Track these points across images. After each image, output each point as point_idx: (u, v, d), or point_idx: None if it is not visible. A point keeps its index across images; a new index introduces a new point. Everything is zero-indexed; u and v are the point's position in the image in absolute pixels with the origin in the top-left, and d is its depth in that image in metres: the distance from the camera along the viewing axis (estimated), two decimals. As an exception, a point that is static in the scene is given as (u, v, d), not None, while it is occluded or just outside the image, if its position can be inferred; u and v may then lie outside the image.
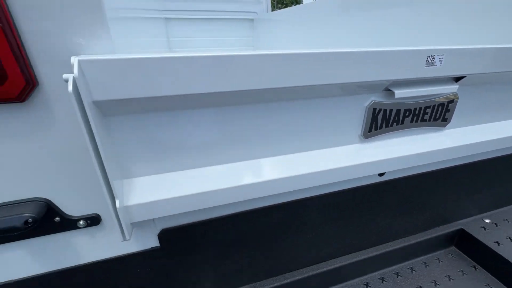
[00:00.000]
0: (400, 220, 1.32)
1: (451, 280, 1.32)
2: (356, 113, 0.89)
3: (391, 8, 1.70)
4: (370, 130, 0.92)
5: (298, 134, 0.87)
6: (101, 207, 0.77)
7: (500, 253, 1.29)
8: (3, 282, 0.77)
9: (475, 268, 1.38)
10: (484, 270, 1.36)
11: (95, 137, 0.56)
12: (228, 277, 1.07)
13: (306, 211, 1.05)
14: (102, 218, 0.78)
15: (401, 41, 1.67)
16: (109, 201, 0.65)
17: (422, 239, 1.40)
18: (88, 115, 0.54)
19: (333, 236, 1.19)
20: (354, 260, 1.26)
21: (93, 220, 0.77)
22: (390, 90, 0.86)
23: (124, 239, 0.71)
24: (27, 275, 0.79)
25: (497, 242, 1.37)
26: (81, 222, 0.76)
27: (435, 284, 1.30)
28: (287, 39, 2.96)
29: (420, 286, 1.28)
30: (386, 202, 1.21)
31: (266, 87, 0.68)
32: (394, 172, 1.13)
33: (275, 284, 1.14)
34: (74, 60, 0.53)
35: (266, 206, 0.97)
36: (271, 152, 0.86)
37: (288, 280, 1.15)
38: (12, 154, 0.63)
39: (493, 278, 1.32)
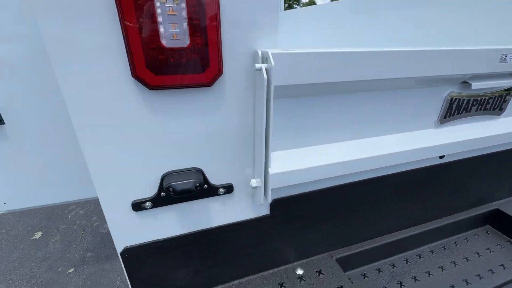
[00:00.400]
0: (448, 199, 1.49)
1: (491, 252, 1.50)
2: (435, 102, 1.05)
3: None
4: (445, 117, 1.09)
5: (387, 119, 1.02)
6: (234, 177, 0.92)
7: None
8: (157, 239, 0.91)
9: (511, 243, 1.57)
10: (519, 244, 1.55)
11: (270, 115, 0.71)
12: (315, 244, 1.23)
13: (381, 187, 1.21)
14: (234, 187, 0.93)
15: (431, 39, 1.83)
16: (263, 169, 0.80)
17: (462, 217, 1.57)
18: (270, 98, 0.69)
19: (397, 211, 1.35)
20: (410, 233, 1.43)
21: (228, 189, 0.92)
22: (467, 82, 1.02)
23: (262, 202, 0.86)
24: (176, 234, 0.93)
25: (530, 219, 1.55)
26: (221, 189, 0.90)
27: (478, 255, 1.48)
28: (311, 37, 3.10)
29: (465, 257, 1.46)
30: (441, 182, 1.38)
31: (382, 77, 0.83)
32: (451, 155, 1.30)
33: (348, 253, 1.30)
34: (264, 53, 0.67)
35: (352, 182, 1.12)
36: (365, 134, 1.02)
37: (359, 250, 1.32)
38: (194, 128, 0.77)
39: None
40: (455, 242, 1.57)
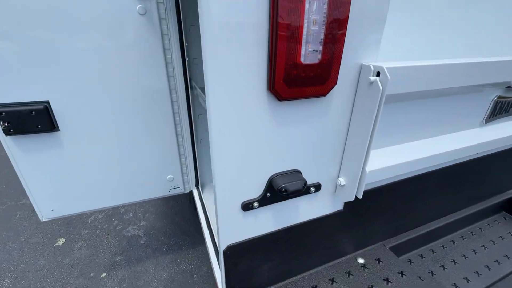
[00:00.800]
0: (475, 189, 1.66)
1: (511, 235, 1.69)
2: (483, 104, 1.19)
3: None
4: (490, 117, 1.23)
5: (447, 121, 1.15)
6: (322, 176, 1.00)
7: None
8: (254, 236, 0.98)
9: (526, 226, 1.77)
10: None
11: (378, 120, 0.80)
12: (371, 235, 1.35)
13: (429, 181, 1.34)
14: (321, 186, 1.02)
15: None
16: (359, 168, 0.89)
17: (485, 206, 1.75)
18: (381, 105, 0.78)
19: (436, 202, 1.50)
20: (444, 222, 1.58)
21: (317, 187, 1.00)
22: (510, 87, 1.16)
23: (353, 198, 0.96)
24: (269, 231, 1.01)
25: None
26: (312, 188, 0.99)
27: (502, 239, 1.66)
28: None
29: (492, 241, 1.64)
30: (471, 174, 1.54)
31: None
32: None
33: (397, 242, 1.43)
34: (377, 67, 0.76)
35: (411, 177, 1.24)
36: (430, 134, 1.15)
37: (406, 238, 1.45)
38: (304, 133, 0.85)
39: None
40: (480, 228, 1.75)
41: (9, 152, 1.38)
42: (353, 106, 0.89)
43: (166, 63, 1.48)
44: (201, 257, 2.39)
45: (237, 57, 0.66)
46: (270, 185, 0.89)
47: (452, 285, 1.35)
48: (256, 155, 0.83)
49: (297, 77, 0.72)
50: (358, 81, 0.84)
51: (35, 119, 1.32)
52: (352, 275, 1.24)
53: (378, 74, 0.78)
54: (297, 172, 0.92)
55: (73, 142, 1.44)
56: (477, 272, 1.43)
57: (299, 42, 0.67)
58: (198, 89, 1.59)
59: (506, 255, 1.55)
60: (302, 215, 1.06)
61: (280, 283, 1.19)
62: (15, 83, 1.23)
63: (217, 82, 0.68)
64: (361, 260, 1.32)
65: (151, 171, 1.73)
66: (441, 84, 0.86)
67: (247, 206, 0.89)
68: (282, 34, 0.65)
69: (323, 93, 0.79)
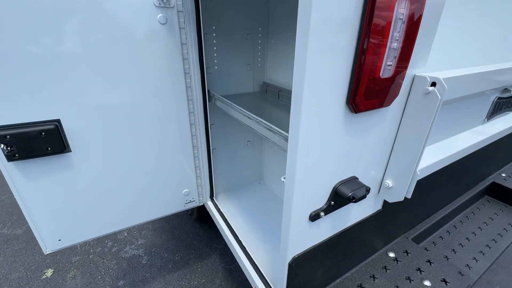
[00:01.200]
0: (466, 178, 1.87)
1: (498, 215, 1.94)
2: (485, 105, 1.36)
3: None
4: (490, 115, 1.41)
5: (459, 122, 1.29)
6: (370, 180, 1.06)
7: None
8: (314, 244, 1.00)
9: (506, 206, 2.04)
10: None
11: (433, 125, 0.88)
12: (396, 229, 1.45)
13: (443, 175, 1.49)
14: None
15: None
16: (411, 170, 0.96)
17: (474, 193, 1.99)
18: (437, 112, 0.85)
19: (442, 193, 1.66)
20: (448, 210, 1.76)
21: (368, 191, 1.05)
22: (507, 89, 1.35)
23: (402, 199, 1.03)
24: (326, 237, 1.03)
25: (516, 187, 2.05)
26: (367, 192, 1.04)
27: (492, 220, 1.90)
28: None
29: (484, 222, 1.87)
30: (467, 165, 1.74)
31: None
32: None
33: (415, 233, 1.56)
34: (433, 78, 0.83)
35: (437, 171, 1.36)
36: (452, 133, 1.28)
37: (420, 230, 1.59)
38: (367, 141, 0.89)
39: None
40: (472, 212, 1.98)
41: (10, 179, 1.21)
42: (403, 114, 0.95)
43: (185, 73, 1.42)
44: (212, 269, 2.32)
45: (326, 67, 0.68)
46: (335, 194, 0.91)
47: (465, 266, 1.51)
48: (326, 166, 0.85)
49: (373, 90, 0.75)
50: (410, 90, 0.91)
51: (45, 141, 1.18)
52: (389, 269, 1.32)
53: (433, 84, 0.85)
54: (355, 179, 0.96)
55: (86, 162, 1.32)
56: (481, 251, 1.62)
57: (381, 58, 0.71)
58: (218, 96, 1.55)
59: (499, 234, 1.77)
60: (352, 218, 1.11)
61: (328, 287, 1.22)
62: (21, 101, 1.09)
63: (308, 91, 0.67)
64: (391, 254, 1.41)
65: (167, 186, 1.64)
66: (478, 89, 0.97)
67: (315, 217, 0.90)
68: (369, 53, 0.68)
69: (388, 104, 0.84)
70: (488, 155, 1.89)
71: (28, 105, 1.11)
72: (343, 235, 1.10)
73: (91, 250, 2.53)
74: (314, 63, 0.64)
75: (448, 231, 1.79)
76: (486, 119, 1.41)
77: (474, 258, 1.57)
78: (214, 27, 1.56)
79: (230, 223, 1.68)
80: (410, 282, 1.25)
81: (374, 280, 1.26)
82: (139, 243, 2.63)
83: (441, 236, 1.74)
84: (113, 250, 2.53)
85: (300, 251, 0.97)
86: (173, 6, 1.25)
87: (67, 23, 1.04)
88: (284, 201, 0.86)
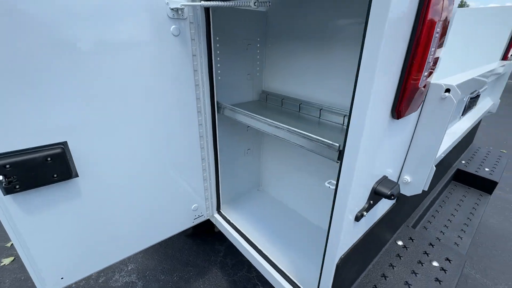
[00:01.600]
0: (445, 167, 2.16)
1: (466, 197, 2.27)
2: (462, 103, 1.60)
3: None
4: (463, 112, 1.66)
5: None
6: (392, 177, 1.16)
7: (480, 175, 2.33)
8: (354, 242, 1.06)
9: (469, 188, 2.40)
10: (474, 188, 2.40)
11: (447, 126, 1.01)
12: (399, 218, 1.60)
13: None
14: (392, 186, 1.18)
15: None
16: (428, 165, 1.09)
17: (446, 180, 2.30)
18: (452, 114, 0.99)
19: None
20: (432, 196, 2.00)
21: (390, 188, 1.16)
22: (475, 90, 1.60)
23: (420, 192, 1.15)
24: (361, 235, 1.10)
25: (476, 171, 2.42)
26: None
27: (462, 200, 2.21)
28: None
29: (458, 204, 2.17)
30: (448, 157, 2.00)
31: None
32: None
33: (412, 221, 1.74)
34: (447, 85, 0.97)
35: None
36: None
37: (416, 218, 1.78)
38: (399, 142, 0.99)
39: (478, 190, 2.36)
40: (447, 196, 2.28)
41: (5, 215, 1.04)
42: (419, 117, 1.08)
43: (195, 85, 1.39)
44: (215, 284, 2.24)
45: (384, 81, 0.75)
46: (374, 193, 0.99)
47: (455, 244, 1.74)
48: (372, 169, 0.92)
49: (411, 98, 0.85)
50: (425, 96, 1.04)
51: (51, 167, 1.05)
52: (402, 256, 1.45)
53: (447, 90, 0.99)
54: (386, 178, 1.05)
55: (94, 187, 1.20)
56: (462, 230, 1.88)
57: (421, 71, 0.81)
58: (231, 107, 1.54)
59: (471, 212, 2.07)
60: (377, 214, 1.20)
61: (356, 282, 1.29)
62: (23, 123, 0.95)
63: (372, 105, 0.73)
64: (400, 242, 1.55)
65: (177, 204, 1.56)
66: (472, 90, 1.15)
67: (360, 217, 0.97)
68: (415, 66, 0.77)
69: (416, 109, 0.95)
70: (456, 145, 2.21)
71: (30, 127, 0.97)
72: (372, 230, 1.18)
73: (73, 285, 2.24)
74: (378, 80, 0.70)
75: (433, 215, 2.02)
76: (461, 116, 1.66)
77: (459, 236, 1.81)
78: (218, 38, 1.55)
79: (244, 233, 1.67)
80: (422, 265, 1.40)
81: (393, 268, 1.38)
82: (129, 268, 2.42)
83: (429, 221, 1.96)
84: (100, 281, 2.28)
85: (345, 251, 1.02)
86: (186, 18, 1.22)
87: (77, 36, 0.95)
88: (335, 205, 0.90)
